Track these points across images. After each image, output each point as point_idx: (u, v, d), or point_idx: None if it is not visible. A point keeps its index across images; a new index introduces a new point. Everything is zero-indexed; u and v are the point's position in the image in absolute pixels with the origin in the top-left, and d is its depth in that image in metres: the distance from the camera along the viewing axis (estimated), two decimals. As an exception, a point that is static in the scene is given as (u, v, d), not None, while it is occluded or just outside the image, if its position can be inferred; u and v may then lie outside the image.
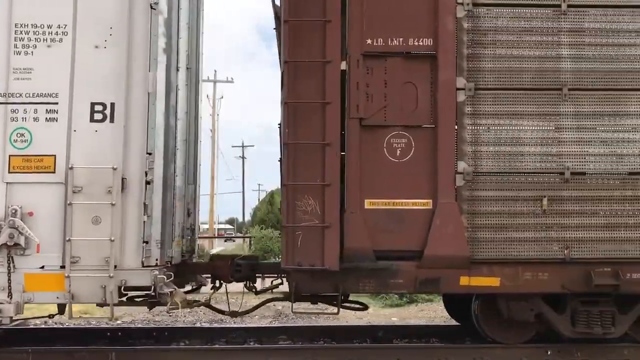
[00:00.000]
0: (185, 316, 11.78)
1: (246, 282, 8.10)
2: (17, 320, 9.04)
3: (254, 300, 8.29)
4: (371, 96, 7.05)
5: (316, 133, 6.93)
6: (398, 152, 7.06)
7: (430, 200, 7.01)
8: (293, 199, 6.91)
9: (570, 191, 7.03)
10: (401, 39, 7.10)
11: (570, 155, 7.06)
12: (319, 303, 7.88)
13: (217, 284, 8.21)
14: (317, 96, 6.94)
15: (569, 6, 7.12)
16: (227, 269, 7.99)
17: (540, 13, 7.13)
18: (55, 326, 10.02)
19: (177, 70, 7.38)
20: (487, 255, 6.98)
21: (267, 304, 8.21)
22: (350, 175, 6.97)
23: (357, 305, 7.90)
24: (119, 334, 8.73)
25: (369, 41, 7.08)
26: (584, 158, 7.06)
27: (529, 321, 7.34)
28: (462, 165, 6.99)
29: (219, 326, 10.17)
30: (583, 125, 7.09)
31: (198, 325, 10.63)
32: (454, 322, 9.32)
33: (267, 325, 10.62)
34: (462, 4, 7.07)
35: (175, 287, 6.96)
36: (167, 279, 6.89)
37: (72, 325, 10.20)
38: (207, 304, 7.99)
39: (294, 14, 7.01)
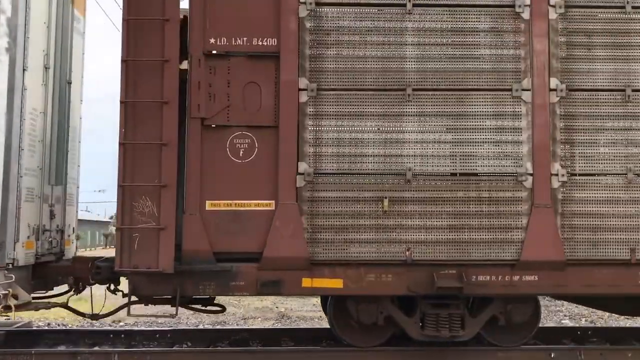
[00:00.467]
0: (188, 318, 11.97)
1: (109, 285, 7.99)
2: (19, 322, 9.38)
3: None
4: (214, 96, 6.97)
5: (154, 133, 6.86)
6: (241, 152, 6.99)
7: (273, 202, 6.93)
8: (130, 200, 6.83)
9: (412, 192, 6.95)
10: (245, 39, 7.03)
11: (412, 156, 6.98)
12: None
13: (81, 287, 8.11)
14: (155, 96, 6.86)
15: (414, 5, 7.06)
16: (87, 270, 7.88)
17: (385, 12, 7.06)
18: (59, 328, 10.11)
19: (25, 70, 7.28)
20: (328, 256, 6.90)
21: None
22: (190, 176, 6.90)
23: (215, 308, 7.82)
24: (122, 336, 8.76)
25: (212, 40, 7.01)
26: (427, 159, 6.99)
27: (379, 324, 7.25)
28: (303, 166, 6.92)
29: (222, 328, 10.23)
30: (427, 126, 7.02)
31: (201, 327, 10.69)
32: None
33: (271, 327, 10.67)
34: (304, 3, 7.00)
35: (11, 289, 6.86)
36: (5, 280, 6.81)
37: (75, 327, 10.32)
38: (65, 306, 7.90)
39: (134, 13, 6.94)
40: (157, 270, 6.72)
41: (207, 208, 6.91)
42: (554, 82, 7.05)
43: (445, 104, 7.04)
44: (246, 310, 13.04)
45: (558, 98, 7.05)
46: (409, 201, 6.95)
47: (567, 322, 11.13)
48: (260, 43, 7.03)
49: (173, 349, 8.13)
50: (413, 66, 7.03)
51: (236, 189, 6.94)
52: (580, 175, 7.03)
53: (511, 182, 7.00)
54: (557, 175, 6.99)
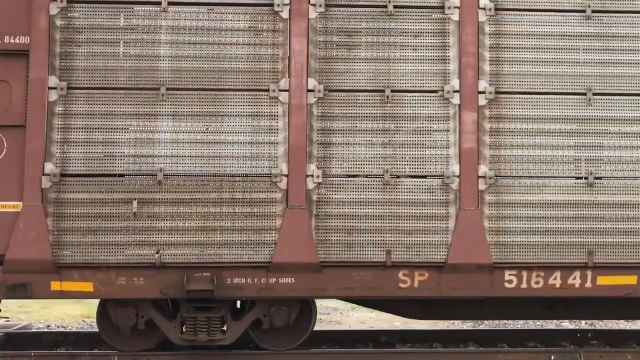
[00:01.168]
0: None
1: None
2: (18, 324, 9.31)
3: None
4: (-39, 95, 6.82)
5: None
6: (-11, 153, 6.84)
7: (20, 203, 6.78)
8: None
9: (164, 193, 6.83)
10: (-3, 37, 6.89)
11: (165, 157, 6.86)
12: None
13: None
14: None
15: (170, 3, 6.93)
16: None
17: (139, 10, 6.94)
18: (58, 330, 9.99)
19: None
20: (75, 259, 6.75)
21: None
22: None
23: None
24: None
25: (-39, 39, 6.86)
26: (180, 159, 6.87)
27: (140, 328, 7.13)
28: (49, 167, 6.77)
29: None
30: (181, 125, 6.90)
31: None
32: (457, 327, 9.62)
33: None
34: (55, 0, 6.86)
35: None
36: None
37: (74, 329, 10.26)
38: None
39: None
40: None
41: (-47, 210, 6.76)
42: (311, 82, 6.96)
43: (201, 104, 6.93)
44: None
45: (316, 99, 6.96)
46: (160, 203, 6.83)
47: (567, 324, 11.11)
48: (11, 41, 6.88)
49: (173, 351, 7.82)
50: (167, 65, 6.92)
51: (-17, 189, 6.79)
52: (336, 176, 6.96)
53: (266, 183, 6.90)
54: (312, 176, 6.90)
